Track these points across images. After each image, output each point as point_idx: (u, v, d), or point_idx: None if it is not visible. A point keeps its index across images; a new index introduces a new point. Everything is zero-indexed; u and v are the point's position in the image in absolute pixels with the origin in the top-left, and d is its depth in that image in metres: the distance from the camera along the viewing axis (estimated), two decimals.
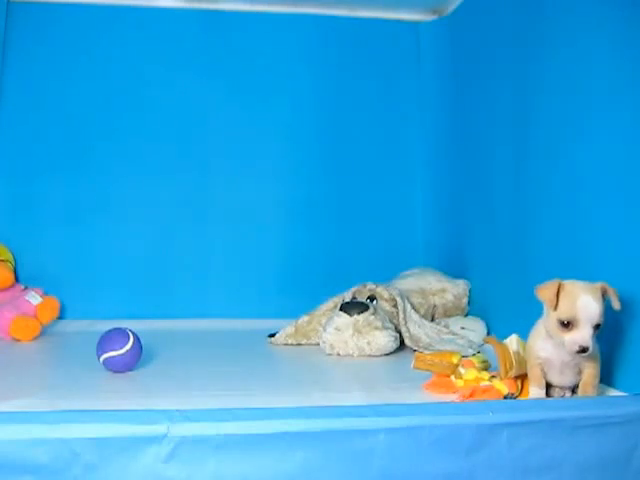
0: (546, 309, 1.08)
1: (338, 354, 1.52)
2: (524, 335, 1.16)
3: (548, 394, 1.12)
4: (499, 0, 1.66)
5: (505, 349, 1.14)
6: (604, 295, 1.05)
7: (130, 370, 1.30)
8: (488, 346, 1.35)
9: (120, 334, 1.29)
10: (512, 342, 1.16)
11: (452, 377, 1.22)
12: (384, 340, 1.50)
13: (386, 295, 1.64)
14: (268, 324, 1.74)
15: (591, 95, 1.27)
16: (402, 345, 1.55)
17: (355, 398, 1.14)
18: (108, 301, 1.90)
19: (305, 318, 1.66)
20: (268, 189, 2.03)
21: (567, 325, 1.03)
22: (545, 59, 1.43)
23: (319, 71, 2.06)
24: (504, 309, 1.62)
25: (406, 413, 0.90)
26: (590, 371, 1.08)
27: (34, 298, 1.72)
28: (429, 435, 0.88)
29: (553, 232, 1.40)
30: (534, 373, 1.11)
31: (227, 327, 1.82)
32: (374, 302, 1.61)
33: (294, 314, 1.68)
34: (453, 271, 1.87)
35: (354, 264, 2.01)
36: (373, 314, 1.53)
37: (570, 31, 1.33)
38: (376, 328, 1.51)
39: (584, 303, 1.02)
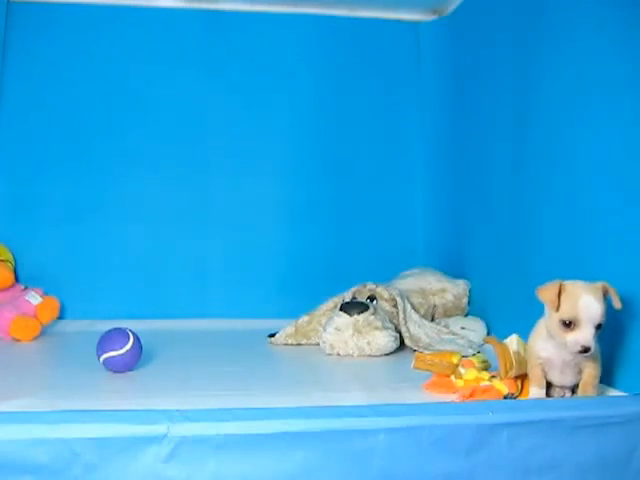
0: (547, 309, 1.08)
1: (338, 354, 1.51)
2: (524, 335, 1.16)
3: (548, 393, 1.12)
4: (499, 0, 1.66)
5: (505, 349, 1.14)
6: (605, 295, 1.05)
7: (130, 370, 1.30)
8: (488, 346, 1.35)
9: (120, 334, 1.29)
10: (512, 342, 1.15)
11: (452, 377, 1.22)
12: (384, 340, 1.50)
13: (386, 295, 1.64)
14: (268, 324, 1.74)
15: (591, 95, 1.27)
16: (402, 345, 1.55)
17: (355, 398, 1.14)
18: (108, 301, 1.90)
19: (305, 318, 1.66)
20: (268, 189, 2.03)
21: (569, 325, 1.03)
22: (545, 59, 1.43)
23: (319, 71, 2.06)
24: (504, 309, 1.62)
25: (406, 413, 0.90)
26: (590, 371, 1.08)
27: (34, 298, 1.72)
28: (429, 435, 0.88)
29: (553, 232, 1.40)
30: (535, 373, 1.11)
31: (227, 327, 1.82)
32: (374, 302, 1.61)
33: (294, 314, 1.68)
34: (453, 271, 1.87)
35: (354, 264, 2.01)
36: (373, 314, 1.53)
37: (570, 31, 1.33)
38: (376, 328, 1.51)
39: (586, 303, 1.03)
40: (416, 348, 1.50)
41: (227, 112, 2.01)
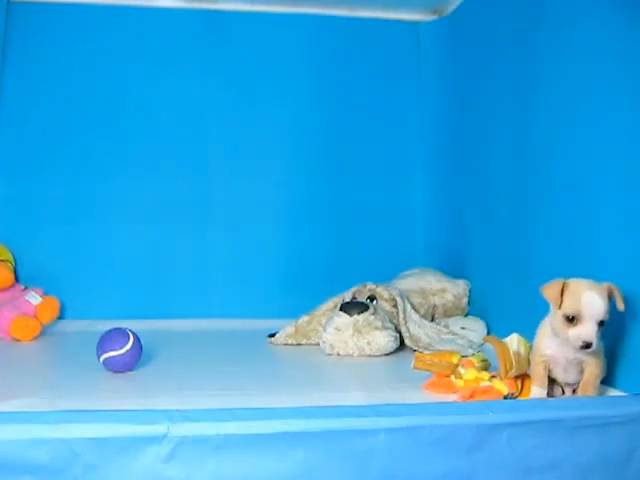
0: (552, 307, 1.09)
1: (338, 354, 1.51)
2: (524, 335, 1.16)
3: (551, 393, 1.12)
4: (499, 0, 1.66)
5: (505, 349, 1.14)
6: (610, 295, 1.06)
7: (130, 370, 1.30)
8: (488, 345, 1.35)
9: (120, 334, 1.29)
10: (512, 341, 1.15)
11: (452, 377, 1.22)
12: (384, 340, 1.50)
13: (386, 295, 1.64)
14: (268, 324, 1.74)
15: (591, 95, 1.27)
16: (402, 345, 1.55)
17: (355, 398, 1.14)
18: (108, 301, 1.90)
19: (305, 318, 1.66)
20: (268, 189, 2.03)
21: (572, 320, 1.04)
22: (545, 59, 1.43)
23: (319, 71, 2.06)
24: (504, 309, 1.62)
25: (406, 413, 0.90)
26: (592, 370, 1.08)
27: (34, 298, 1.72)
28: (429, 435, 0.88)
29: (553, 232, 1.40)
30: (537, 372, 1.11)
31: (227, 327, 1.82)
32: (374, 302, 1.61)
33: (294, 314, 1.68)
34: (453, 271, 1.87)
35: (354, 264, 2.01)
36: (373, 314, 1.53)
37: (570, 31, 1.33)
38: (376, 328, 1.51)
39: (588, 299, 1.04)
40: (416, 348, 1.50)
41: (227, 112, 2.01)
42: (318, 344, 1.57)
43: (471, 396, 1.13)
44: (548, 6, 1.42)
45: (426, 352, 1.41)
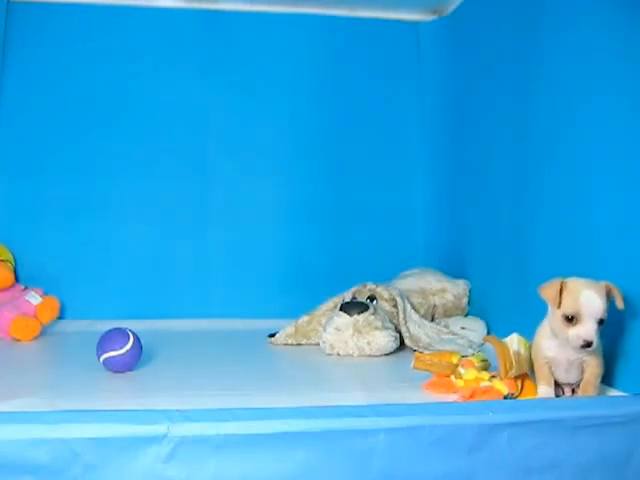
0: (550, 308, 1.09)
1: (338, 354, 1.51)
2: (524, 335, 1.16)
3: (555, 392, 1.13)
4: (499, 0, 1.66)
5: (505, 348, 1.14)
6: (608, 294, 1.06)
7: (130, 370, 1.30)
8: (488, 346, 1.35)
9: (120, 334, 1.29)
10: (512, 341, 1.15)
11: (452, 377, 1.22)
12: (384, 340, 1.50)
13: (386, 295, 1.64)
14: (268, 324, 1.74)
15: (591, 95, 1.27)
16: (402, 345, 1.55)
17: (355, 398, 1.14)
18: (108, 301, 1.90)
19: (305, 318, 1.66)
20: (268, 189, 2.03)
21: (571, 320, 1.05)
22: (545, 59, 1.43)
23: (319, 71, 2.06)
24: (504, 309, 1.62)
25: (406, 413, 0.90)
26: (592, 370, 1.08)
27: (34, 298, 1.72)
28: (429, 435, 0.88)
29: (553, 232, 1.40)
30: (542, 372, 1.11)
31: (227, 327, 1.82)
32: (374, 302, 1.61)
33: (294, 314, 1.68)
34: (453, 271, 1.87)
35: (354, 264, 2.01)
36: (373, 314, 1.53)
37: (570, 31, 1.33)
38: (376, 328, 1.51)
39: (587, 298, 1.04)
40: (416, 348, 1.50)
41: (227, 112, 2.01)
42: (318, 344, 1.57)
43: (471, 396, 1.13)
44: (548, 6, 1.42)
45: (426, 352, 1.41)
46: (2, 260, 1.79)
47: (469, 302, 1.81)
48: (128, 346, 1.28)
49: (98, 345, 1.29)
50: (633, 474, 0.94)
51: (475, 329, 1.66)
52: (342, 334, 1.51)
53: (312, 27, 2.04)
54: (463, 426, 0.89)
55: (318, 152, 2.06)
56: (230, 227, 2.01)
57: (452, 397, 1.15)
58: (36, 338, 1.64)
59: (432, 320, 1.74)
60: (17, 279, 1.84)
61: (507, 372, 1.12)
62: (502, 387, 1.13)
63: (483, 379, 1.18)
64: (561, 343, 1.08)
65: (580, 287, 1.05)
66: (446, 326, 1.67)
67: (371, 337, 1.50)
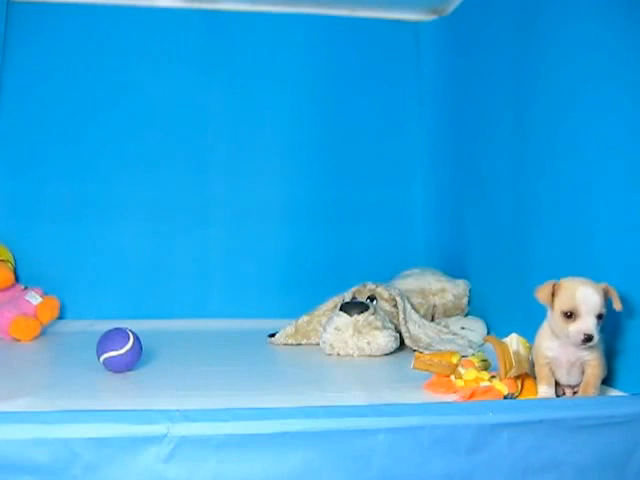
0: (549, 309, 1.09)
1: (338, 354, 1.51)
2: (524, 335, 1.16)
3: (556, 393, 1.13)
4: (499, 0, 1.66)
5: (505, 348, 1.14)
6: (606, 295, 1.07)
7: (130, 370, 1.30)
8: (488, 346, 1.35)
9: (120, 334, 1.29)
10: (512, 341, 1.15)
11: (452, 377, 1.22)
12: (384, 340, 1.50)
13: (386, 295, 1.64)
14: (268, 324, 1.74)
15: (591, 96, 1.27)
16: (402, 345, 1.55)
17: (355, 398, 1.14)
18: (108, 301, 1.90)
19: (305, 318, 1.66)
20: (268, 189, 2.03)
21: (570, 316, 1.05)
22: (545, 59, 1.43)
23: (319, 71, 2.06)
24: (504, 309, 1.62)
25: (406, 413, 0.90)
26: (593, 371, 1.08)
27: (34, 298, 1.72)
28: (429, 435, 0.88)
29: (553, 232, 1.40)
30: (543, 372, 1.11)
31: (227, 327, 1.82)
32: (374, 302, 1.61)
33: (294, 314, 1.68)
34: (453, 271, 1.87)
35: (354, 264, 2.01)
36: (373, 314, 1.53)
37: (569, 31, 1.33)
38: (376, 328, 1.51)
39: (583, 293, 1.05)
40: (416, 348, 1.50)
41: (227, 111, 2.01)
42: (318, 344, 1.57)
43: (471, 396, 1.13)
44: (547, 6, 1.42)
45: (426, 352, 1.41)
46: (2, 260, 1.79)
47: (469, 302, 1.81)
48: (128, 346, 1.28)
49: (98, 345, 1.29)
50: (633, 474, 0.94)
51: (475, 329, 1.66)
52: (342, 334, 1.51)
53: (312, 27, 2.04)
54: (463, 426, 0.89)
55: (318, 152, 2.06)
56: (230, 227, 2.01)
57: (452, 397, 1.15)
58: (36, 338, 1.64)
59: (432, 320, 1.74)
60: (17, 279, 1.84)
61: (507, 372, 1.13)
62: (502, 387, 1.13)
63: (483, 379, 1.18)
64: (562, 343, 1.08)
65: (576, 284, 1.07)
66: (446, 326, 1.68)
67: (371, 337, 1.50)
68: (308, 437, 0.86)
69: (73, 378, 1.25)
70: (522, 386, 1.15)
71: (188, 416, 0.84)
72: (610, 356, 1.15)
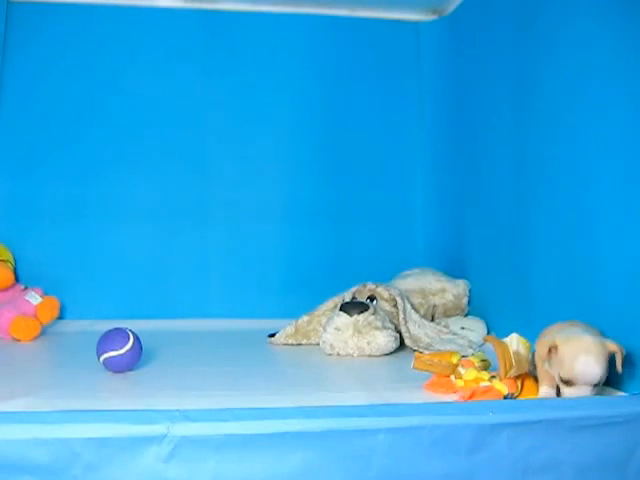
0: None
1: (338, 354, 1.51)
2: (524, 335, 1.16)
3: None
4: (499, 0, 1.66)
5: (505, 348, 1.14)
6: (609, 353, 1.04)
7: (130, 370, 1.30)
8: (488, 346, 1.35)
9: (120, 334, 1.29)
10: (512, 341, 1.15)
11: (452, 377, 1.22)
12: (384, 340, 1.50)
13: (386, 295, 1.64)
14: (268, 324, 1.74)
15: (591, 95, 1.27)
16: (402, 345, 1.55)
17: (355, 398, 1.14)
18: (108, 301, 1.90)
19: (305, 318, 1.66)
20: (268, 189, 2.03)
21: (567, 382, 1.04)
22: (545, 59, 1.43)
23: (319, 71, 2.06)
24: (504, 309, 1.62)
25: (406, 413, 0.90)
26: None
27: (34, 298, 1.72)
28: (429, 435, 0.88)
29: (553, 232, 1.40)
30: (544, 373, 1.11)
31: (227, 327, 1.82)
32: (374, 302, 1.61)
33: (294, 314, 1.68)
34: (453, 271, 1.87)
35: (354, 264, 2.01)
36: (373, 314, 1.53)
37: (569, 31, 1.33)
38: (376, 328, 1.51)
39: (582, 366, 1.02)
40: (416, 348, 1.50)
41: (227, 112, 2.01)
42: (318, 344, 1.57)
43: (471, 396, 1.13)
44: (547, 6, 1.42)
45: (426, 352, 1.41)
46: (2, 260, 1.79)
47: (469, 302, 1.81)
48: (128, 346, 1.27)
49: (98, 345, 1.28)
50: (633, 474, 0.94)
51: (475, 329, 1.66)
52: (342, 334, 1.51)
53: (312, 27, 2.04)
54: (463, 426, 0.89)
55: (318, 152, 2.06)
56: (230, 227, 2.01)
57: (452, 397, 1.15)
58: (36, 338, 1.64)
59: (432, 320, 1.74)
60: (17, 279, 1.84)
61: (507, 372, 1.12)
62: (502, 387, 1.13)
63: (483, 379, 1.18)
64: None
65: (576, 352, 1.03)
66: (446, 326, 1.68)
67: (371, 337, 1.50)
68: (308, 437, 0.86)
69: (73, 378, 1.25)
70: (522, 386, 1.15)
71: (188, 416, 0.84)
72: (610, 356, 1.15)
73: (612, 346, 1.04)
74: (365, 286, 1.67)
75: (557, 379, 1.06)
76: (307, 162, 2.05)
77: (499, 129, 1.66)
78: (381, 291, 1.65)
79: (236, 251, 2.00)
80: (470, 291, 1.81)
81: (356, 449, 0.87)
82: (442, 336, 1.60)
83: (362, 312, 1.52)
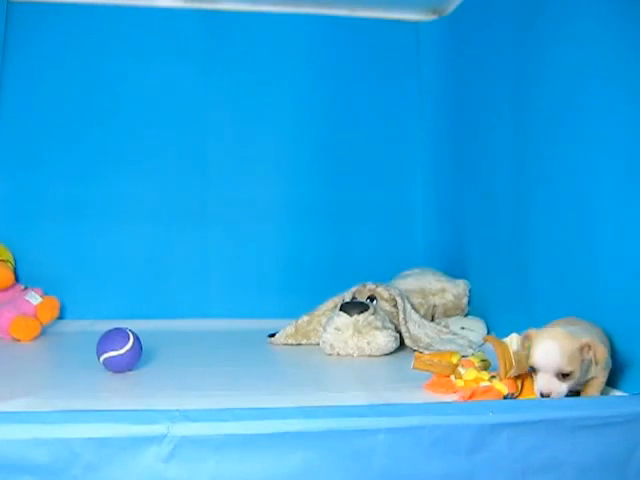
0: None
1: (338, 354, 1.51)
2: None
3: None
4: (499, 0, 1.66)
5: (505, 348, 1.14)
6: (587, 350, 1.04)
7: (130, 370, 1.30)
8: (488, 346, 1.35)
9: (120, 334, 1.29)
10: (512, 341, 1.15)
11: (452, 377, 1.22)
12: (384, 340, 1.50)
13: (386, 295, 1.64)
14: (268, 324, 1.74)
15: (591, 95, 1.27)
16: (402, 345, 1.55)
17: (355, 398, 1.14)
18: (108, 301, 1.90)
19: (305, 318, 1.66)
20: (268, 189, 2.03)
21: (533, 369, 1.05)
22: (545, 59, 1.43)
23: (319, 71, 2.06)
24: (504, 309, 1.62)
25: (406, 413, 0.90)
26: (591, 390, 1.08)
27: (34, 298, 1.72)
28: (429, 435, 0.88)
29: (553, 231, 1.40)
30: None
31: (227, 327, 1.82)
32: (374, 302, 1.61)
33: (294, 314, 1.68)
34: (453, 271, 1.87)
35: (354, 264, 2.01)
36: (373, 314, 1.53)
37: (570, 30, 1.33)
38: (376, 328, 1.51)
39: (541, 352, 1.04)
40: (416, 348, 1.50)
41: (227, 112, 2.01)
42: (318, 344, 1.57)
43: (471, 396, 1.13)
44: (548, 6, 1.42)
45: (426, 352, 1.41)
46: (2, 260, 1.79)
47: (469, 302, 1.81)
48: (128, 346, 1.27)
49: (98, 345, 1.28)
50: (633, 474, 0.94)
51: (475, 329, 1.66)
52: (342, 334, 1.51)
53: (312, 27, 2.04)
54: (463, 426, 0.89)
55: (318, 152, 2.06)
56: (230, 227, 2.01)
57: (452, 397, 1.15)
58: (36, 338, 1.64)
59: (432, 320, 1.74)
60: (17, 279, 1.84)
61: (507, 372, 1.12)
62: (502, 387, 1.13)
63: (483, 379, 1.18)
64: None
65: (540, 338, 1.05)
66: (446, 326, 1.68)
67: (371, 337, 1.50)
68: (308, 437, 0.86)
69: (73, 378, 1.25)
70: (522, 386, 1.15)
71: (188, 416, 0.84)
72: (610, 356, 1.15)
73: (584, 341, 1.03)
74: (365, 286, 1.67)
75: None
76: (307, 162, 2.05)
77: (499, 129, 1.66)
78: (381, 291, 1.65)
79: (236, 251, 2.00)
80: (470, 291, 1.81)
81: (356, 449, 0.87)
82: (442, 336, 1.60)
83: (362, 312, 1.52)
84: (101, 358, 1.28)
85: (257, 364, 1.43)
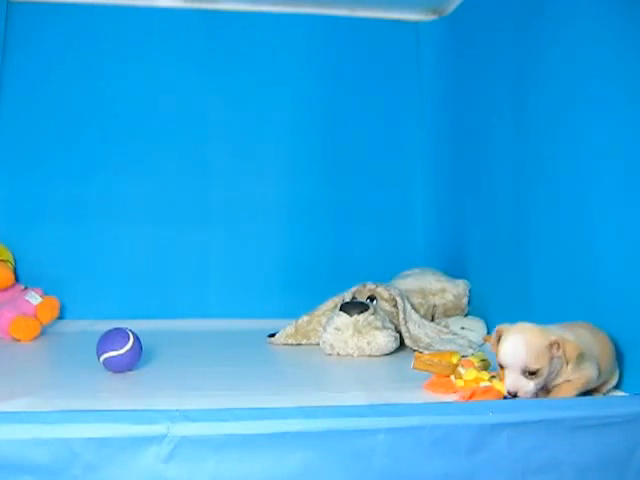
0: None
1: (338, 354, 1.51)
2: None
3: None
4: (499, 0, 1.66)
5: None
6: (556, 347, 1.01)
7: (130, 370, 1.30)
8: (488, 345, 1.35)
9: (120, 334, 1.29)
10: None
11: (452, 377, 1.22)
12: (384, 340, 1.50)
13: (386, 295, 1.64)
14: (268, 324, 1.74)
15: (591, 95, 1.27)
16: (402, 345, 1.55)
17: (355, 398, 1.14)
18: (108, 301, 1.90)
19: (305, 318, 1.66)
20: (268, 189, 2.03)
21: (500, 366, 1.04)
22: (545, 59, 1.43)
23: (319, 71, 2.06)
24: (504, 309, 1.62)
25: (406, 413, 0.90)
26: (569, 385, 1.05)
27: (34, 298, 1.72)
28: (429, 435, 0.88)
29: (553, 232, 1.40)
30: None
31: (227, 327, 1.82)
32: (374, 302, 1.61)
33: (294, 314, 1.68)
34: (453, 271, 1.87)
35: (354, 264, 2.01)
36: (373, 314, 1.53)
37: (570, 30, 1.33)
38: (376, 328, 1.51)
39: (508, 348, 1.02)
40: (416, 348, 1.50)
41: (227, 111, 2.01)
42: (318, 344, 1.57)
43: (471, 396, 1.12)
44: (547, 6, 1.42)
45: (426, 352, 1.41)
46: (2, 260, 1.79)
47: (469, 302, 1.81)
48: (128, 346, 1.27)
49: (98, 345, 1.28)
50: (633, 474, 0.94)
51: (475, 329, 1.66)
52: (342, 334, 1.51)
53: (312, 27, 2.04)
54: (463, 426, 0.89)
55: (318, 152, 2.06)
56: (230, 227, 2.01)
57: (452, 397, 1.15)
58: (36, 338, 1.64)
59: (432, 320, 1.74)
60: (17, 279, 1.84)
61: None
62: (502, 387, 1.13)
63: (483, 379, 1.18)
64: None
65: (507, 335, 1.02)
66: (446, 326, 1.68)
67: (371, 337, 1.50)
68: (308, 437, 0.86)
69: (73, 378, 1.25)
70: None
71: (188, 416, 0.84)
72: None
73: (553, 338, 1.01)
74: (365, 286, 1.67)
75: None
76: (307, 162, 2.05)
77: (499, 129, 1.66)
78: (381, 291, 1.65)
79: (236, 251, 2.01)
80: (470, 291, 1.81)
81: (356, 449, 0.87)
82: (442, 336, 1.60)
83: (362, 312, 1.52)
84: (101, 358, 1.28)
85: (257, 364, 1.43)
